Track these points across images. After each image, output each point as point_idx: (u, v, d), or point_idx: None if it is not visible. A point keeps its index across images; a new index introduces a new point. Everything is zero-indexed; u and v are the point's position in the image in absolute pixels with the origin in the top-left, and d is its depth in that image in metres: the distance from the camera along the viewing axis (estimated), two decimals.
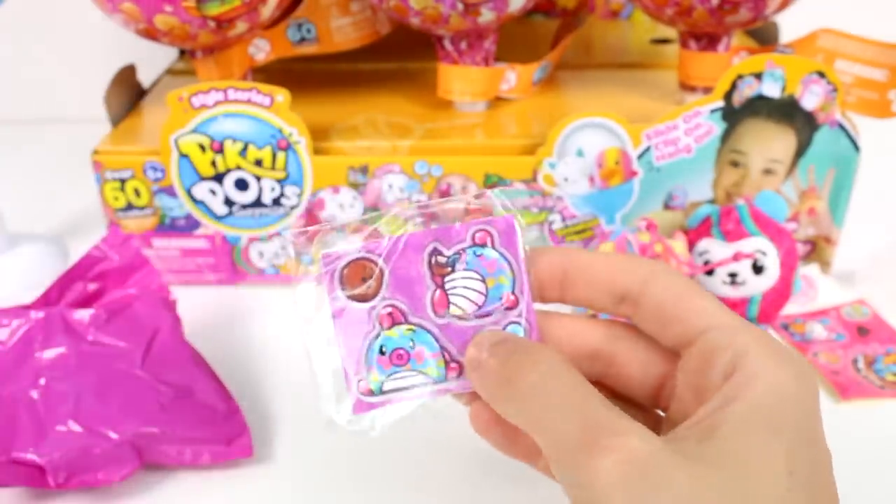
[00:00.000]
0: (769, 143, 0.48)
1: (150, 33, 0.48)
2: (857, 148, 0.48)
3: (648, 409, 0.28)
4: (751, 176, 0.49)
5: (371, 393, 0.27)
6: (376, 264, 0.27)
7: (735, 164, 0.48)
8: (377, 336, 0.27)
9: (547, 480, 0.28)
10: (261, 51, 0.53)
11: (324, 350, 0.27)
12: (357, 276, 0.27)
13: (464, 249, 0.27)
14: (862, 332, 0.46)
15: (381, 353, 0.27)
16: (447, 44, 0.51)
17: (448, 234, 0.27)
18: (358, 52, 0.57)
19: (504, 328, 0.27)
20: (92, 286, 0.43)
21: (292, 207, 0.49)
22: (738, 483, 0.20)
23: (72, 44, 0.80)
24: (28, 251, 0.54)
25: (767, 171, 0.49)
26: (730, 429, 0.21)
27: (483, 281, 0.27)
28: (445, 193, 0.49)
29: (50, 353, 0.39)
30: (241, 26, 0.48)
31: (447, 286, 0.27)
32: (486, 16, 0.47)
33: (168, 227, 0.50)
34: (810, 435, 0.22)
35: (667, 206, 0.49)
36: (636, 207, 0.49)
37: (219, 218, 0.50)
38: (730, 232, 0.45)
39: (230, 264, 0.52)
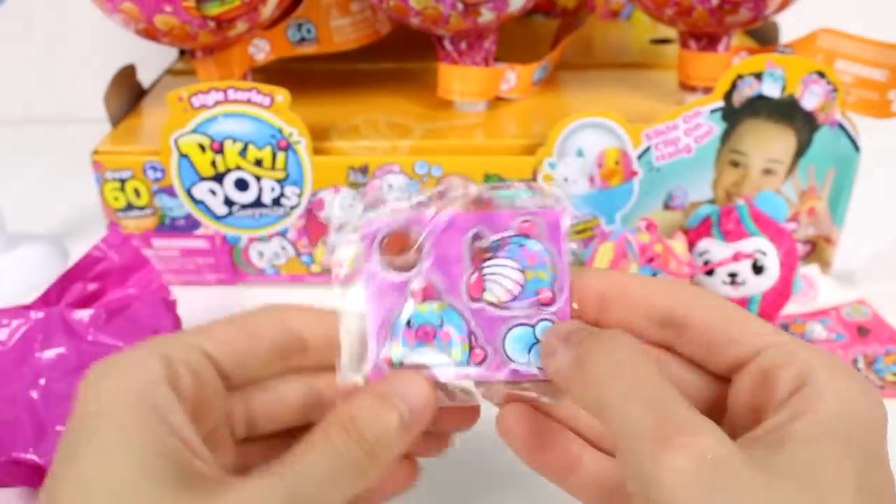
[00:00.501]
0: (769, 143, 0.48)
1: (150, 33, 0.48)
2: (857, 148, 0.48)
3: None
4: (751, 176, 0.49)
5: (391, 363, 0.27)
6: (417, 237, 0.27)
7: (735, 164, 0.48)
8: (407, 309, 0.27)
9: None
10: (261, 51, 0.53)
11: (352, 315, 0.27)
12: (396, 246, 0.27)
13: (508, 237, 0.27)
14: (862, 332, 0.46)
15: (409, 325, 0.27)
16: (447, 44, 0.51)
17: (493, 220, 0.27)
18: (358, 52, 0.57)
19: (536, 323, 0.26)
20: (92, 286, 0.43)
21: (292, 207, 0.49)
22: (807, 495, 0.20)
23: (72, 44, 0.80)
24: (28, 251, 0.54)
25: (767, 171, 0.49)
26: (800, 441, 0.21)
27: (522, 272, 0.27)
28: (445, 193, 0.48)
29: (50, 353, 0.39)
30: (241, 26, 0.48)
31: (485, 271, 0.27)
32: (486, 16, 0.47)
33: (168, 227, 0.50)
34: (878, 453, 0.22)
35: (667, 206, 0.49)
36: (636, 207, 0.49)
37: (219, 218, 0.50)
38: (730, 232, 0.45)
39: (230, 264, 0.52)
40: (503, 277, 0.27)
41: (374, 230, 0.27)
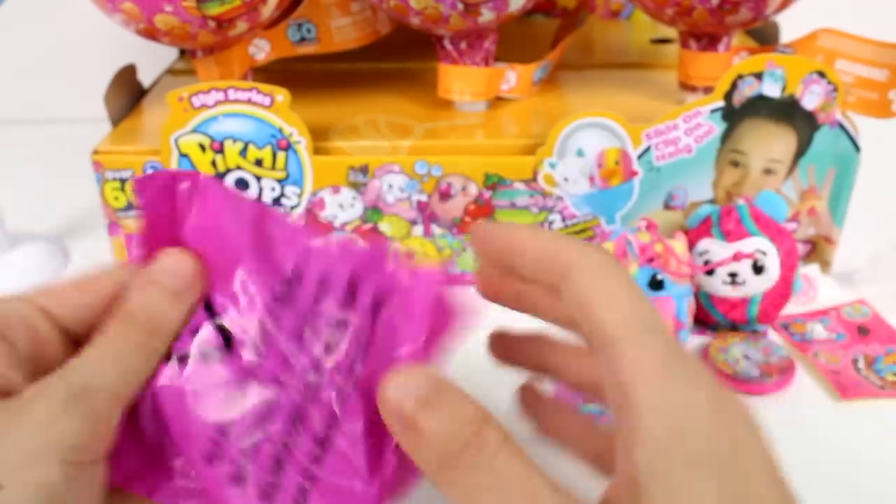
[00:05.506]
0: (769, 143, 0.48)
1: (150, 33, 0.48)
2: (857, 148, 0.48)
3: None
4: (751, 176, 0.49)
5: None
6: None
7: (735, 164, 0.48)
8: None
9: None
10: (261, 51, 0.53)
11: None
12: None
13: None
14: (862, 332, 0.46)
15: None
16: (447, 44, 0.51)
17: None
18: (358, 52, 0.57)
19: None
20: None
21: (292, 207, 0.49)
22: None
23: (72, 44, 0.80)
24: (28, 251, 0.54)
25: (767, 171, 0.49)
26: (650, 483, 0.20)
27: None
28: (445, 193, 0.48)
29: None
30: (241, 26, 0.48)
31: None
32: (486, 16, 0.47)
33: None
34: (736, 465, 0.20)
35: (667, 206, 0.49)
36: (636, 207, 0.49)
37: None
38: (730, 232, 0.45)
39: None
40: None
41: None
